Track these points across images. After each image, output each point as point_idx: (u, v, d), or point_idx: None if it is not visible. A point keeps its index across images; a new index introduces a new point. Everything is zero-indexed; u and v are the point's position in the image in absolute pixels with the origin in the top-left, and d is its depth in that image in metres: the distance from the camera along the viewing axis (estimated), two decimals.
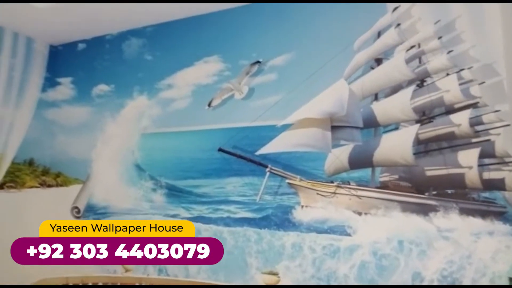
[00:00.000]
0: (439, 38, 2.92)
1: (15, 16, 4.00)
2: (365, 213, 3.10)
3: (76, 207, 4.60)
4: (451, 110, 2.94)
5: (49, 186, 4.85)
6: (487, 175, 2.77)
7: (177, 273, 3.77)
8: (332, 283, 3.14)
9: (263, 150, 3.43)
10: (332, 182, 3.29)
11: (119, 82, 4.53)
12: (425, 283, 2.82)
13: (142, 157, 4.27)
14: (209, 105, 3.91)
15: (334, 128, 3.19)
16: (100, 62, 4.69)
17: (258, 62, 3.70)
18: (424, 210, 2.90)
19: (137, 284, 3.54)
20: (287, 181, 3.45)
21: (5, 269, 3.90)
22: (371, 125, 3.20)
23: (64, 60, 4.91)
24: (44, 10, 3.85)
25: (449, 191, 2.92)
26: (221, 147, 3.70)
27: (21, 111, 4.46)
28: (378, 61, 3.26)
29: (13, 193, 4.56)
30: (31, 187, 4.76)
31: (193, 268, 3.71)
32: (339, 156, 3.28)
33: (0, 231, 4.19)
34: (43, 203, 4.71)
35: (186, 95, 4.08)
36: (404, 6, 3.06)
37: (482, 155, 2.78)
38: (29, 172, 4.76)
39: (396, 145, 3.04)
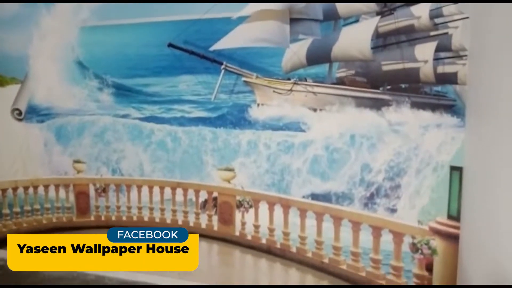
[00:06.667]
0: None
1: None
2: (320, 110, 3.10)
3: (17, 109, 4.26)
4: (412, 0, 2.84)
5: None
6: (441, 69, 2.79)
7: (131, 173, 3.74)
8: (286, 176, 3.24)
9: (218, 46, 3.22)
10: (289, 79, 3.20)
11: None
12: (373, 174, 2.97)
13: (83, 54, 3.90)
14: None
15: (292, 21, 3.02)
16: None
17: None
18: (377, 105, 2.94)
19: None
20: (243, 79, 3.32)
21: None
22: (331, 17, 3.05)
23: None
24: None
25: (403, 86, 2.95)
26: (171, 42, 3.42)
27: None
28: None
29: None
30: None
31: (147, 166, 3.68)
32: (296, 51, 3.15)
33: None
34: None
35: None
36: None
37: (438, 49, 2.78)
38: None
39: (355, 39, 2.94)
